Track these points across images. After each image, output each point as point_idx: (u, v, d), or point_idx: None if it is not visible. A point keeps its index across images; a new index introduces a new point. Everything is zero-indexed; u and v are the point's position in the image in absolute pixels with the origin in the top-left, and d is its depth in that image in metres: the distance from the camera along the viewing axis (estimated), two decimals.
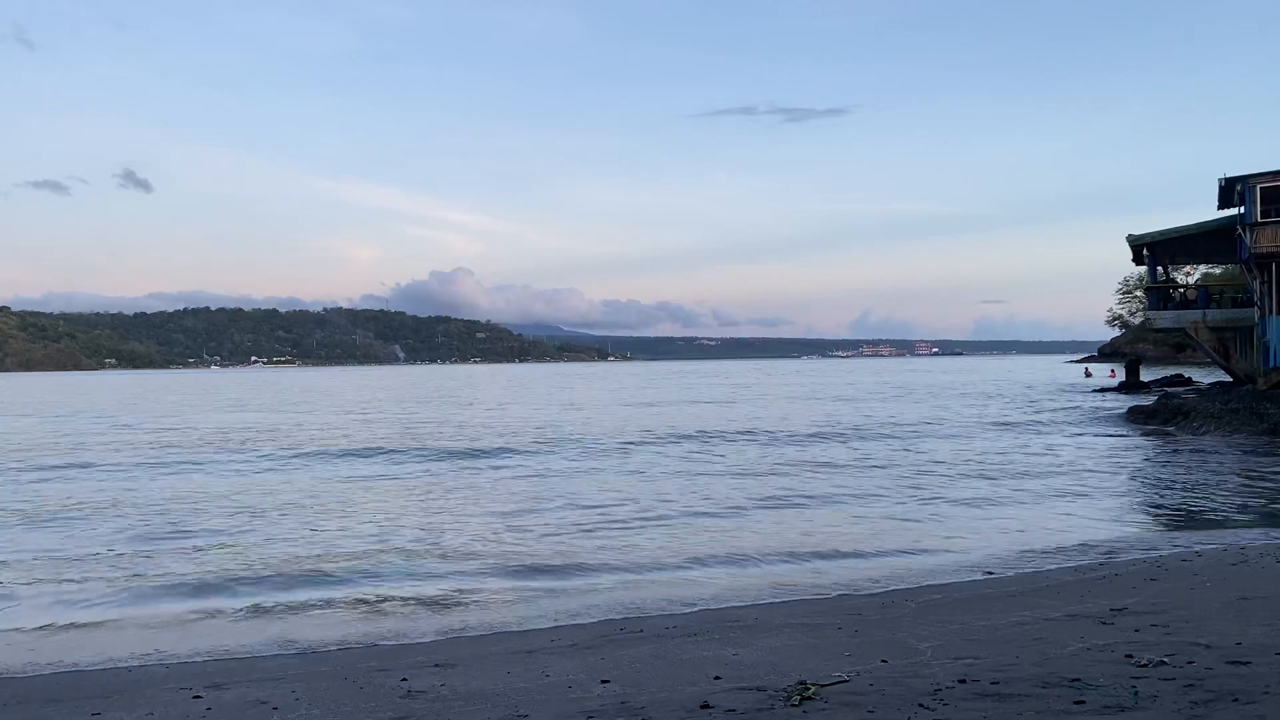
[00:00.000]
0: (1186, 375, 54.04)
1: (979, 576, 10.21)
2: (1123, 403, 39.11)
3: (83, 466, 22.65)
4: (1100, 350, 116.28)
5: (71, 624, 8.91)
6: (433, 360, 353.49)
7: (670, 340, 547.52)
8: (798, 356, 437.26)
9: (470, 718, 5.55)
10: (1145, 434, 27.29)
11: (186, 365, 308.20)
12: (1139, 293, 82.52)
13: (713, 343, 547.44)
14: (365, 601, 9.66)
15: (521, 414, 41.79)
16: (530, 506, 15.69)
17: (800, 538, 12.64)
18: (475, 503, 16.32)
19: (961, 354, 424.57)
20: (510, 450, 25.13)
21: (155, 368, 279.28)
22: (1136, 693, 5.23)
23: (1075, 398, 46.40)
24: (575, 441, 27.40)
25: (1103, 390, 51.10)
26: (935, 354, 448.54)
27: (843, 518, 14.23)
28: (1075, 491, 16.69)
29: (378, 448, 25.98)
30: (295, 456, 24.28)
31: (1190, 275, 65.14)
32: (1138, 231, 39.82)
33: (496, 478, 19.75)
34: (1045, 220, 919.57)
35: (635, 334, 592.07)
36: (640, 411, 42.45)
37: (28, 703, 6.51)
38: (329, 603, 9.61)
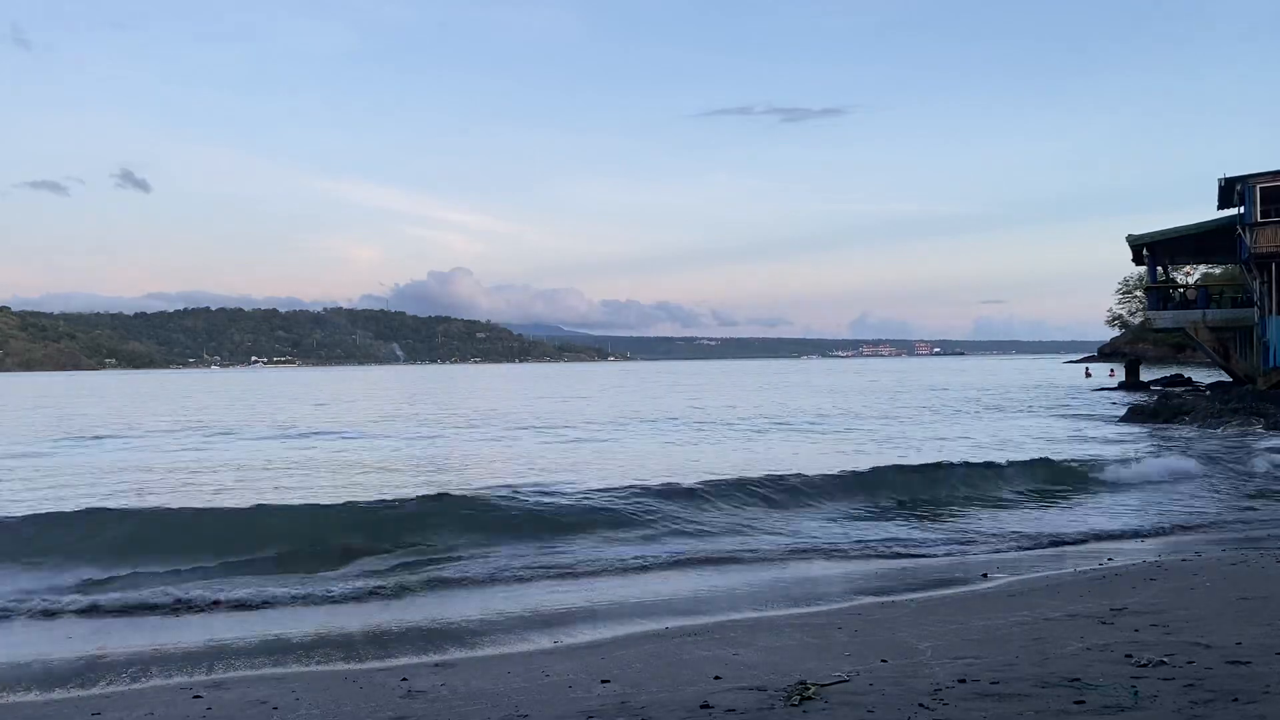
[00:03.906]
0: (1186, 375, 54.04)
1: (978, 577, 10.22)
2: (1119, 404, 39.12)
3: None
4: (1100, 350, 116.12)
5: None
6: (432, 360, 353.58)
7: (670, 340, 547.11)
8: (798, 356, 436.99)
9: (470, 718, 5.55)
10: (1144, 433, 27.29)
11: (187, 365, 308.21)
12: (1139, 293, 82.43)
13: (713, 343, 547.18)
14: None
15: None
16: None
17: None
18: None
19: (963, 354, 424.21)
20: None
21: (155, 367, 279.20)
22: (1136, 693, 5.24)
23: (1083, 398, 46.42)
24: None
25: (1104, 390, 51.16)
26: (936, 354, 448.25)
27: None
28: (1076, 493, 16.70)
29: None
30: None
31: (1190, 275, 65.14)
32: (1138, 231, 39.91)
33: None
34: (1045, 220, 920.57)
35: (635, 334, 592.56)
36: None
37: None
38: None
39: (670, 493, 15.10)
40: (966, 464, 17.61)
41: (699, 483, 16.06)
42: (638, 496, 14.85)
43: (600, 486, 16.07)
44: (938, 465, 17.61)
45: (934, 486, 15.97)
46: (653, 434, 29.58)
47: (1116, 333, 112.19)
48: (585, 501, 14.62)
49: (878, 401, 47.50)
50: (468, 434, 30.79)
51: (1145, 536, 12.74)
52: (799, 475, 16.43)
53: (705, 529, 13.29)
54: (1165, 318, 39.28)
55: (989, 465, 17.53)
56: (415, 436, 29.85)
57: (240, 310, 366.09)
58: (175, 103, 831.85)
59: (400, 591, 10.04)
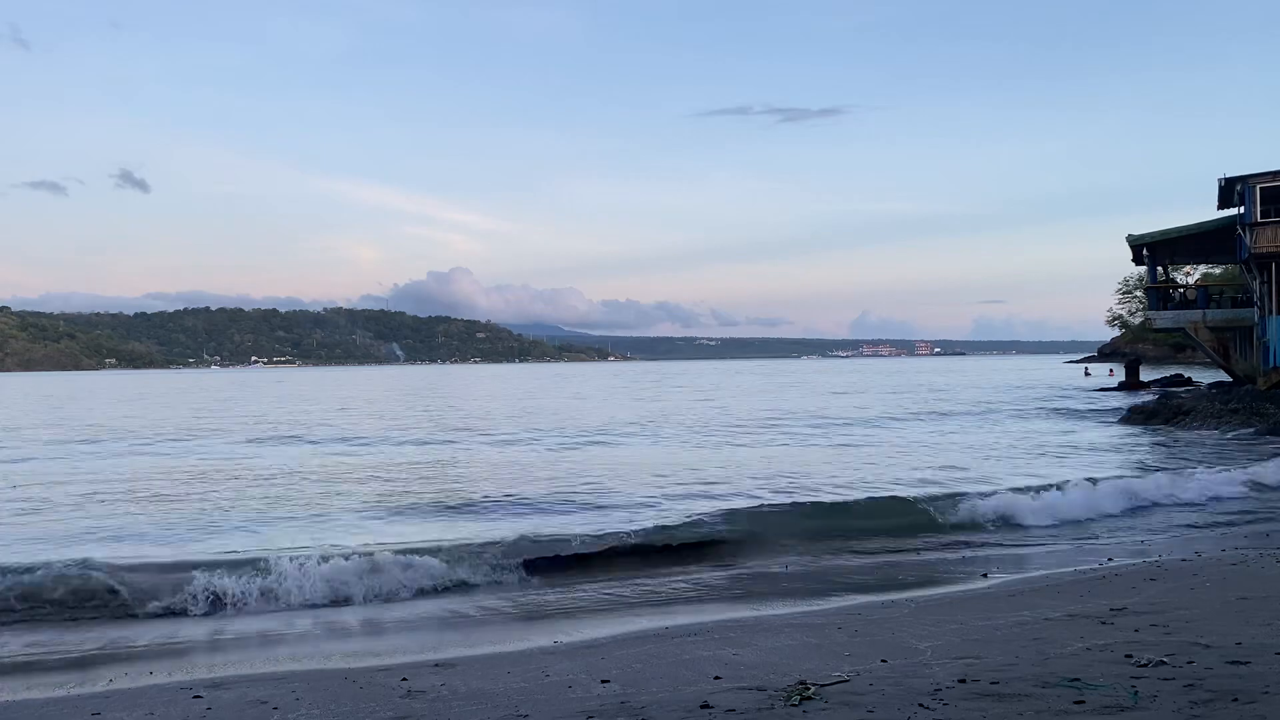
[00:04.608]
0: (1186, 375, 54.01)
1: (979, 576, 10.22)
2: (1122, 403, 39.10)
3: None
4: (1100, 350, 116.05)
5: None
6: (432, 360, 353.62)
7: (670, 340, 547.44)
8: (798, 356, 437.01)
9: (470, 718, 5.55)
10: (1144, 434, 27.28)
11: (187, 365, 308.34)
12: (1139, 293, 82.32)
13: (713, 342, 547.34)
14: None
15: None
16: None
17: None
18: None
19: (963, 354, 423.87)
20: None
21: (156, 367, 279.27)
22: (1136, 693, 5.23)
23: (1087, 398, 46.40)
24: None
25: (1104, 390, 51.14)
26: (937, 354, 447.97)
27: None
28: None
29: None
30: None
31: (1190, 275, 65.04)
32: (1138, 231, 39.81)
33: None
34: (1045, 220, 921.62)
35: (635, 334, 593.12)
36: None
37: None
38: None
39: (672, 497, 15.20)
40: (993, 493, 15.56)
41: (693, 488, 16.42)
42: (640, 499, 14.92)
43: (600, 490, 16.17)
44: (948, 497, 15.14)
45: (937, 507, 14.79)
46: (653, 436, 29.63)
47: (1117, 333, 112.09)
48: (582, 503, 14.67)
49: (877, 403, 47.49)
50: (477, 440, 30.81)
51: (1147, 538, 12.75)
52: (800, 482, 16.43)
53: (700, 529, 13.28)
54: (1165, 318, 39.23)
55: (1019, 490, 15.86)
56: (430, 442, 29.85)
57: (240, 310, 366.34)
58: (175, 103, 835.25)
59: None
